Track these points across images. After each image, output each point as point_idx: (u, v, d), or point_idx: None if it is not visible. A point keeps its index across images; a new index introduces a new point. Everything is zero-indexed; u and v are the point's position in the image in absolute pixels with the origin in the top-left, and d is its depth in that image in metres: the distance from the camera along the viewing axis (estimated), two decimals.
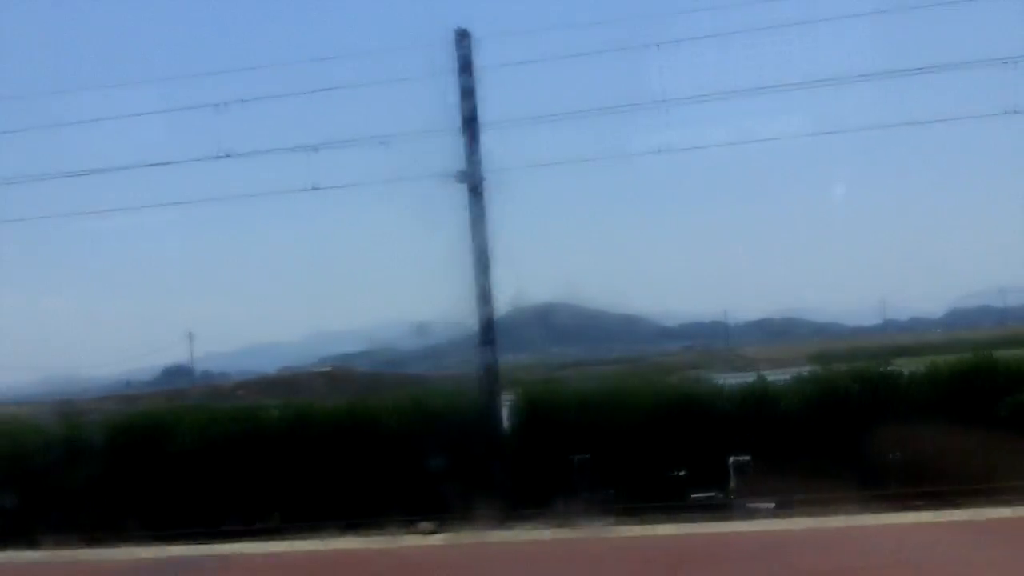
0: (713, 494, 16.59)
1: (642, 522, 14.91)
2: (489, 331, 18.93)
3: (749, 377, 18.73)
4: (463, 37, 19.23)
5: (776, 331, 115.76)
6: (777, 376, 18.93)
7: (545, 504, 16.82)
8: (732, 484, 14.98)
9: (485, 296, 18.93)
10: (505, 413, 18.83)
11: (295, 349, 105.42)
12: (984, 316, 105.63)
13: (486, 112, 19.24)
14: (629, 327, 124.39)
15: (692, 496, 16.76)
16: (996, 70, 17.98)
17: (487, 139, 19.14)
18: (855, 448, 16.48)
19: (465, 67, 19.11)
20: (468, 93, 19.05)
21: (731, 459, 15.20)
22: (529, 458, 18.22)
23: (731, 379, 19.86)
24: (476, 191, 18.95)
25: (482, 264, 18.93)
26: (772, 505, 13.95)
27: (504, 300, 19.78)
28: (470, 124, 19.04)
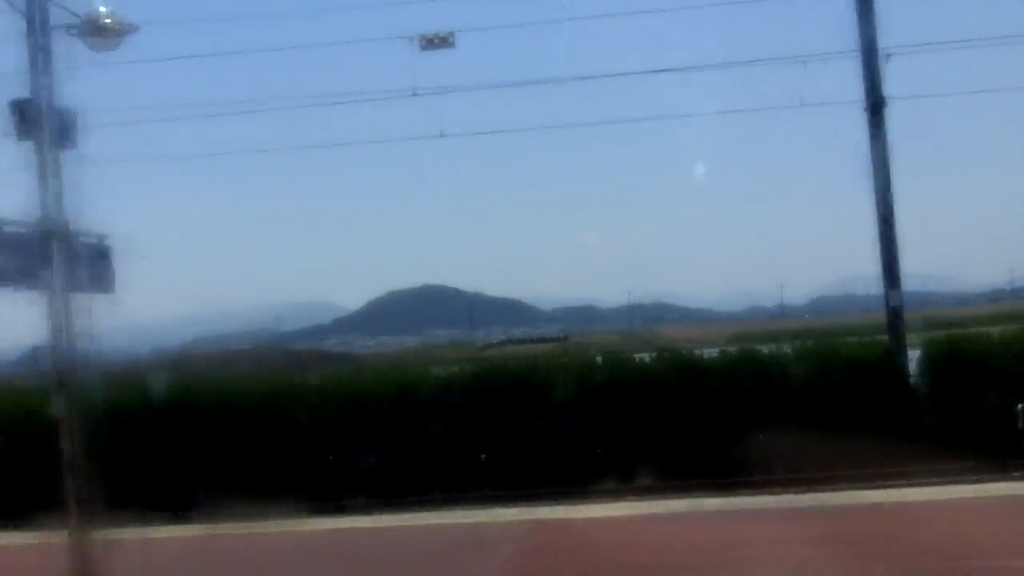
0: None
1: None
2: (894, 270, 17.43)
3: None
4: None
5: (648, 316, 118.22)
6: None
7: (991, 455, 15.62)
8: None
9: (888, 230, 17.39)
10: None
11: (165, 331, 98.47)
12: (847, 304, 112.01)
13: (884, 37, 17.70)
14: (508, 311, 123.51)
15: None
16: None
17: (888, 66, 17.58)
18: None
19: None
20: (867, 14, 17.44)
21: None
22: (950, 406, 16.88)
23: None
24: (877, 118, 17.39)
25: (884, 195, 17.39)
26: None
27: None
28: (869, 47, 17.44)
